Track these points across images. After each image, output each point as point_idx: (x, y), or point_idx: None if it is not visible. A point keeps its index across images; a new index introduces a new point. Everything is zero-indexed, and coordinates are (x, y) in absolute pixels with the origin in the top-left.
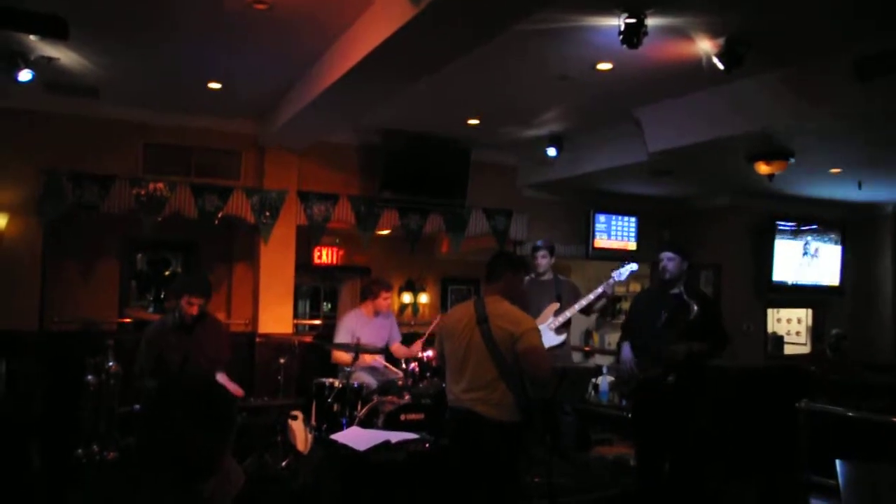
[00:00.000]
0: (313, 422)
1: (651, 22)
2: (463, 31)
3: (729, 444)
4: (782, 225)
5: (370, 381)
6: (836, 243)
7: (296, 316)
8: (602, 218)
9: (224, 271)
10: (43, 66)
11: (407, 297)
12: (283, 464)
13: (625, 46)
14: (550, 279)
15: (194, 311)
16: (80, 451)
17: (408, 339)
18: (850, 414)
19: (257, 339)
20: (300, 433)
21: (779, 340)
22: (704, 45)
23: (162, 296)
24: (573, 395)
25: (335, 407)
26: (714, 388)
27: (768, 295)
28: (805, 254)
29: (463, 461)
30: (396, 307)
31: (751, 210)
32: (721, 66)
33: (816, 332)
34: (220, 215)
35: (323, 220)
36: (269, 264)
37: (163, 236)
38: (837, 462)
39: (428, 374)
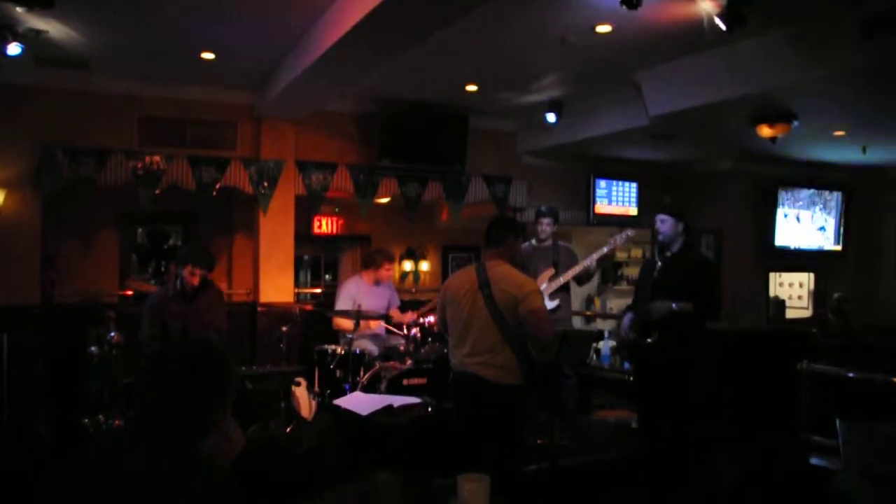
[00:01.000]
0: (316, 388)
1: None
2: None
3: (729, 406)
4: (785, 189)
5: (372, 347)
6: (838, 207)
7: (297, 285)
8: (603, 184)
9: (224, 242)
10: (31, 39)
11: (408, 266)
12: (288, 430)
13: (624, 7)
14: (549, 245)
15: (195, 281)
16: (86, 420)
17: (409, 308)
18: (851, 374)
19: (259, 309)
20: (304, 400)
21: (780, 305)
22: (706, 5)
23: (162, 268)
24: (575, 358)
25: (338, 373)
26: (713, 351)
27: (770, 259)
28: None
29: (466, 424)
30: (397, 275)
31: (753, 174)
32: (723, 27)
33: (818, 296)
34: (217, 187)
35: (321, 189)
36: (268, 234)
37: (161, 209)
38: (837, 421)
39: (429, 340)
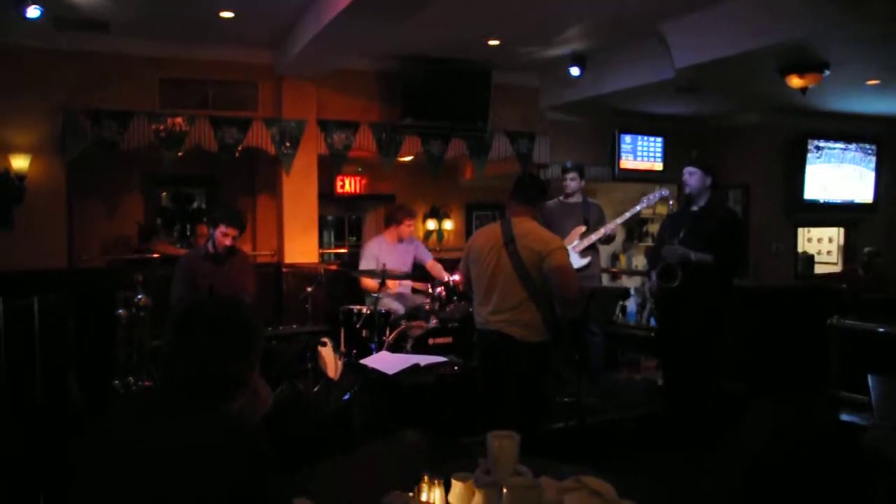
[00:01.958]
0: (342, 348)
1: None
2: None
3: (758, 363)
4: (814, 142)
5: (397, 307)
6: (870, 160)
7: (321, 246)
8: (628, 139)
9: (248, 203)
10: (50, 2)
11: (431, 224)
12: (315, 390)
13: None
14: (579, 202)
15: (228, 241)
16: (116, 382)
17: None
18: (881, 330)
19: (283, 270)
20: (330, 360)
21: (809, 260)
22: None
23: (188, 231)
24: (601, 316)
25: (364, 333)
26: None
27: (799, 214)
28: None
29: (492, 382)
30: (421, 234)
31: (781, 127)
32: None
33: (848, 251)
34: (240, 148)
35: (344, 148)
36: (291, 195)
37: (185, 171)
38: (869, 376)
39: (455, 299)
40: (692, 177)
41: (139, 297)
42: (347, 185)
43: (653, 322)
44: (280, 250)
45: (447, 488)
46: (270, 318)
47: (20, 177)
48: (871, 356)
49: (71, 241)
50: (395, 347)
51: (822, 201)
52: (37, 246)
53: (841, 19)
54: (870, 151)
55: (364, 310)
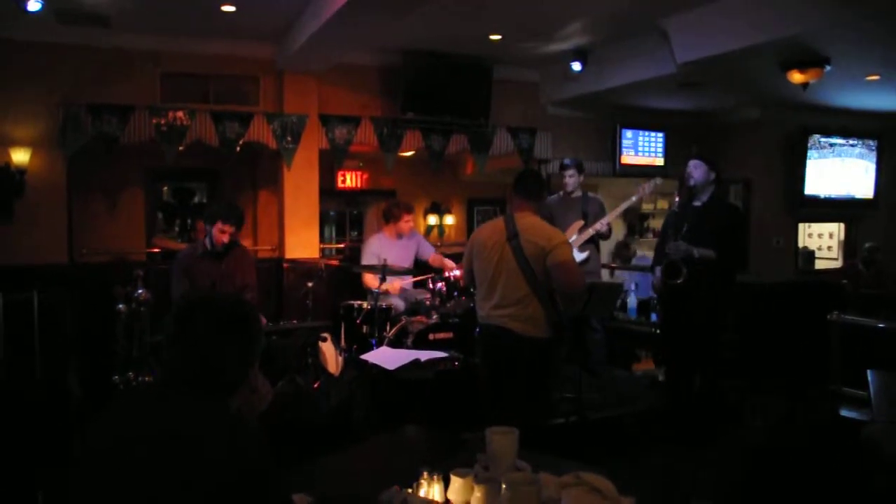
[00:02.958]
0: (343, 344)
1: None
2: None
3: (759, 358)
4: (815, 137)
5: (398, 302)
6: (871, 155)
7: (322, 241)
8: (629, 134)
9: (249, 198)
10: None
11: (433, 219)
12: (315, 385)
13: None
14: (579, 196)
15: (225, 238)
16: (116, 377)
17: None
18: (881, 325)
19: (284, 265)
20: (331, 355)
21: (810, 255)
22: None
23: (188, 226)
24: (601, 311)
25: (364, 328)
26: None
27: (799, 209)
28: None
29: (494, 377)
30: (422, 229)
31: (782, 122)
32: None
33: (848, 246)
34: (241, 142)
35: (345, 143)
36: (293, 189)
37: (185, 166)
38: (868, 372)
39: (455, 294)
40: (697, 170)
41: (139, 292)
42: (349, 179)
43: (654, 317)
44: (281, 245)
45: (447, 484)
46: (271, 313)
47: (20, 170)
48: (870, 352)
49: (71, 236)
50: (396, 343)
51: (822, 196)
52: (37, 240)
53: (842, 14)
54: (870, 147)
55: (365, 305)
